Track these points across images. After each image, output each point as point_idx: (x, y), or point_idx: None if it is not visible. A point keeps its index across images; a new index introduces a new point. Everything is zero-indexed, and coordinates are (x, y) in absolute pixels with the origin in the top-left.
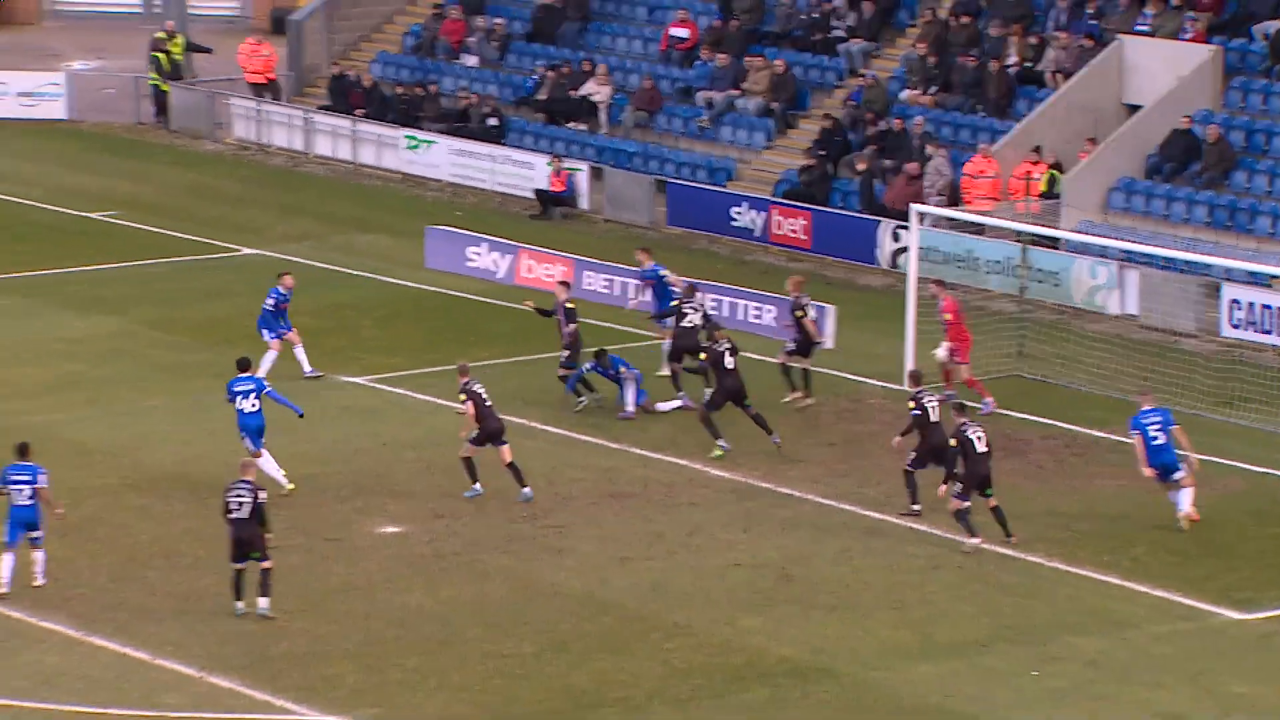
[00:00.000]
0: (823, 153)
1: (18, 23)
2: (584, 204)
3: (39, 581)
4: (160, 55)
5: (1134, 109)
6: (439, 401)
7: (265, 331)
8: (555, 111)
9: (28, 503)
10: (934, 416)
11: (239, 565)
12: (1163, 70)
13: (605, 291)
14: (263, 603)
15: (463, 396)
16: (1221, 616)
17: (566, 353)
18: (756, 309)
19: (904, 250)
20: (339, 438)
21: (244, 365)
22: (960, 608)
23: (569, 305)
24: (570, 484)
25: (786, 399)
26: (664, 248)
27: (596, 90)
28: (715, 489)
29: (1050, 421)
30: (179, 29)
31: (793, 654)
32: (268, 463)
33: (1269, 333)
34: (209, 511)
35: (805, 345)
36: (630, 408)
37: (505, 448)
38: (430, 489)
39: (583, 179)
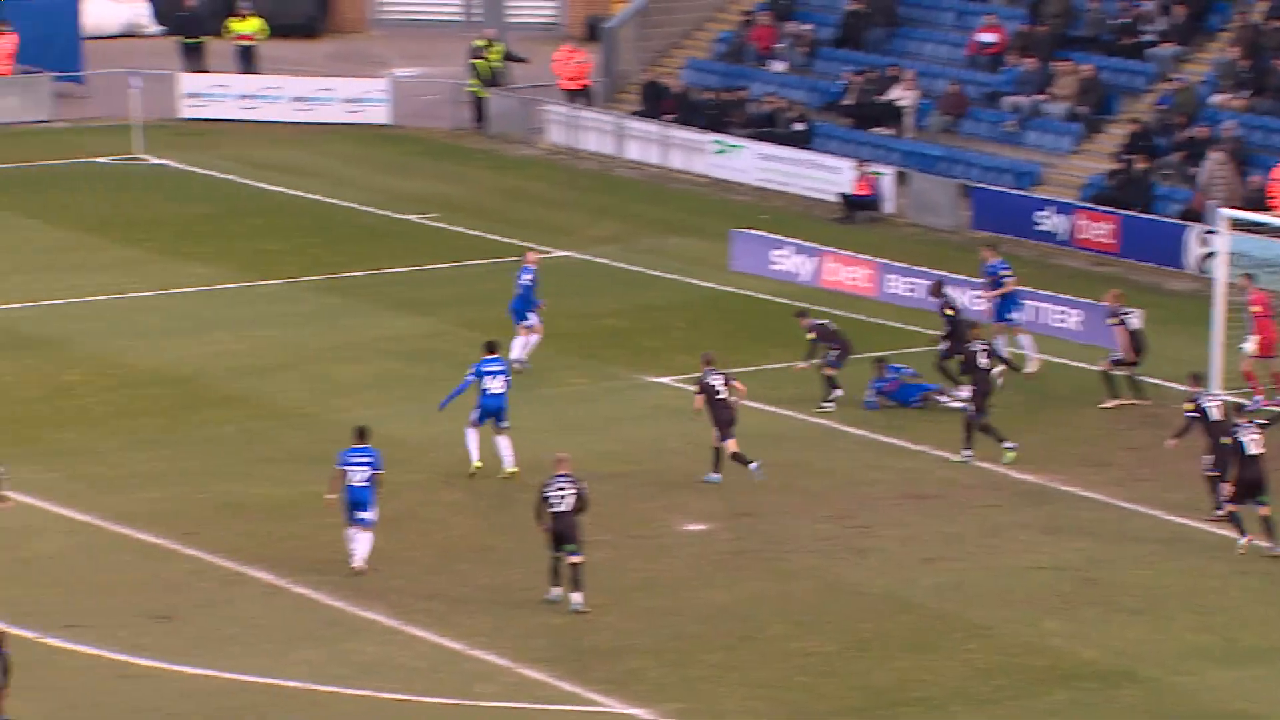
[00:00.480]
0: (1129, 157)
1: (345, 31)
2: (888, 208)
3: (357, 564)
4: (479, 62)
5: None
6: (744, 402)
7: (525, 315)
8: (861, 116)
9: (363, 484)
10: (1215, 416)
11: (558, 554)
12: None
13: (909, 295)
14: (575, 598)
15: (698, 388)
16: None
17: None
18: (1060, 313)
19: (1212, 255)
20: (647, 437)
21: (492, 347)
22: (1265, 613)
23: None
24: (873, 485)
25: (1109, 404)
26: (967, 251)
27: (903, 95)
28: (1016, 491)
29: None
30: (497, 37)
31: (1095, 657)
32: (504, 445)
33: None
34: (519, 506)
35: (1131, 353)
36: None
37: (731, 440)
38: (734, 487)
39: (888, 183)
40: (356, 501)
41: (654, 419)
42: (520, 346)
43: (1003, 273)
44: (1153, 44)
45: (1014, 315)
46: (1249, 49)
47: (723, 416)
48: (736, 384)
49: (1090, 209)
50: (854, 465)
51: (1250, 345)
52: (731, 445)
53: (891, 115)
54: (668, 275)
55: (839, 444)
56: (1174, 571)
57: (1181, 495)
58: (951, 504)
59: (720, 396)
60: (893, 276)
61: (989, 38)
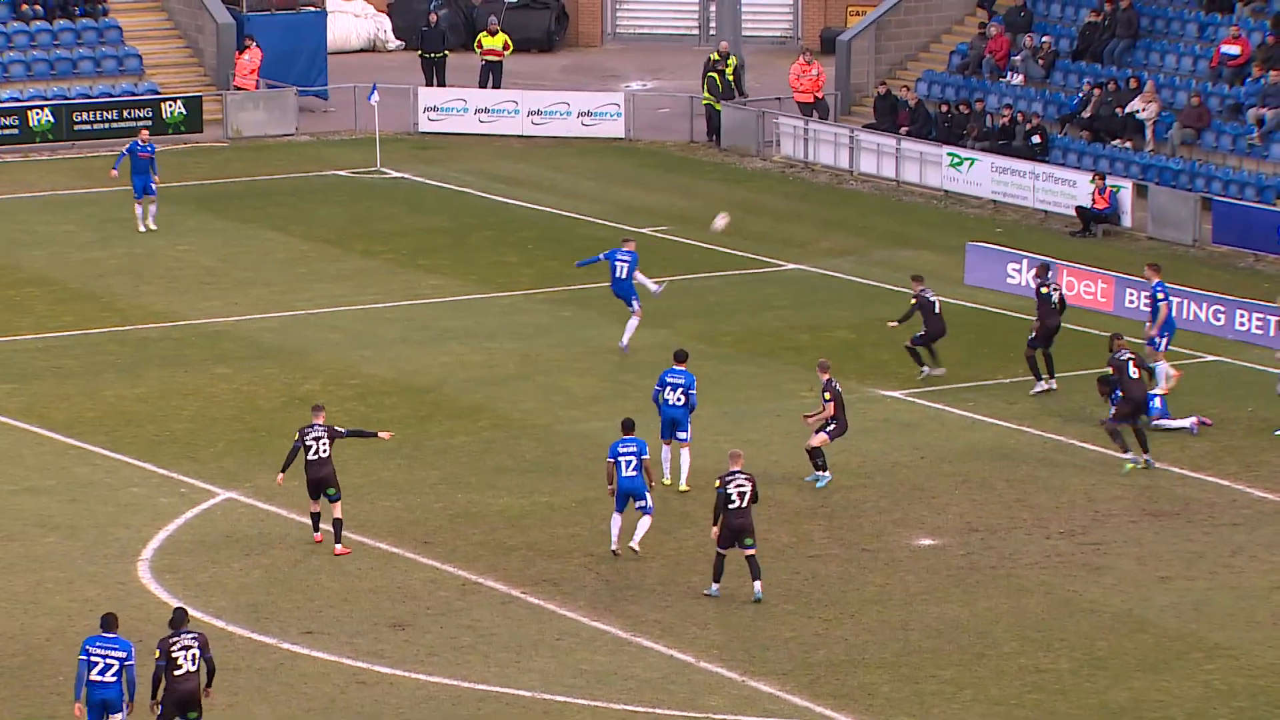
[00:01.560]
0: None
1: (582, 45)
2: (1126, 221)
3: (635, 544)
4: (714, 75)
5: None
6: (975, 417)
7: (633, 300)
8: (1100, 129)
9: (633, 474)
10: None
11: (728, 550)
12: None
13: (1148, 309)
14: (758, 586)
15: (827, 395)
16: None
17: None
18: None
19: None
20: (878, 450)
21: (682, 357)
22: None
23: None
24: (1110, 501)
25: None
26: (1208, 265)
27: (1143, 107)
28: (1258, 509)
29: None
30: (733, 50)
31: None
32: (682, 458)
33: None
34: (759, 522)
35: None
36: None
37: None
38: (966, 502)
39: (1126, 196)
40: (633, 490)
41: (884, 432)
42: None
43: (1159, 295)
44: None
45: (1160, 340)
46: None
47: (842, 424)
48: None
49: None
50: (1088, 482)
51: None
52: (819, 440)
53: (1131, 128)
54: (900, 289)
55: (1073, 459)
56: None
57: None
58: (1190, 522)
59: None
60: (1131, 291)
61: (1232, 49)
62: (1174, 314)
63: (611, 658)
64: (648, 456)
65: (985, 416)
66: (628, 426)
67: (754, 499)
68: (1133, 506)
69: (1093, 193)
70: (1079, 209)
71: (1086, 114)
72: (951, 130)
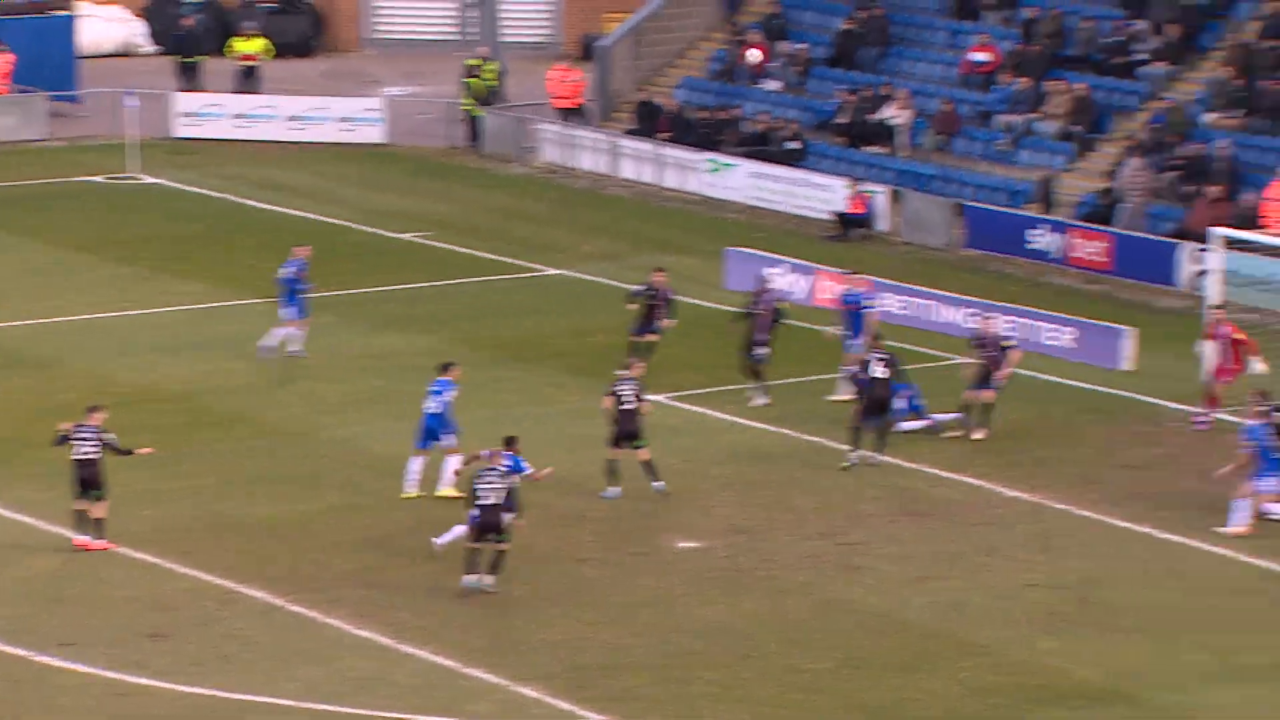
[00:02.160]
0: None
1: (338, 50)
2: (882, 226)
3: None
4: (473, 81)
5: None
6: (735, 419)
7: (289, 307)
8: (855, 135)
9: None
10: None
11: (480, 544)
12: None
13: (902, 313)
14: (489, 580)
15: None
16: None
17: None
18: (1054, 331)
19: (1204, 273)
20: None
21: (442, 369)
22: (1265, 633)
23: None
24: (868, 502)
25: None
26: (960, 269)
27: (896, 114)
28: (1011, 509)
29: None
30: (492, 56)
31: (1091, 676)
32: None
33: None
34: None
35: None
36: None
37: (643, 450)
38: (729, 505)
39: (881, 201)
40: (506, 506)
41: (650, 435)
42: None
43: (864, 303)
44: (1144, 63)
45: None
46: (1241, 68)
47: (625, 428)
48: (646, 405)
49: (1083, 227)
50: (849, 483)
51: (1261, 365)
52: (644, 454)
53: (885, 134)
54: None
55: (831, 461)
56: (1171, 590)
57: (1176, 514)
58: (946, 522)
59: (627, 407)
60: (886, 294)
61: (982, 57)
62: (929, 318)
63: (375, 664)
64: (521, 474)
65: (744, 419)
66: (508, 443)
67: (510, 500)
68: (890, 507)
69: (849, 198)
70: (836, 214)
71: (842, 120)
72: (710, 136)
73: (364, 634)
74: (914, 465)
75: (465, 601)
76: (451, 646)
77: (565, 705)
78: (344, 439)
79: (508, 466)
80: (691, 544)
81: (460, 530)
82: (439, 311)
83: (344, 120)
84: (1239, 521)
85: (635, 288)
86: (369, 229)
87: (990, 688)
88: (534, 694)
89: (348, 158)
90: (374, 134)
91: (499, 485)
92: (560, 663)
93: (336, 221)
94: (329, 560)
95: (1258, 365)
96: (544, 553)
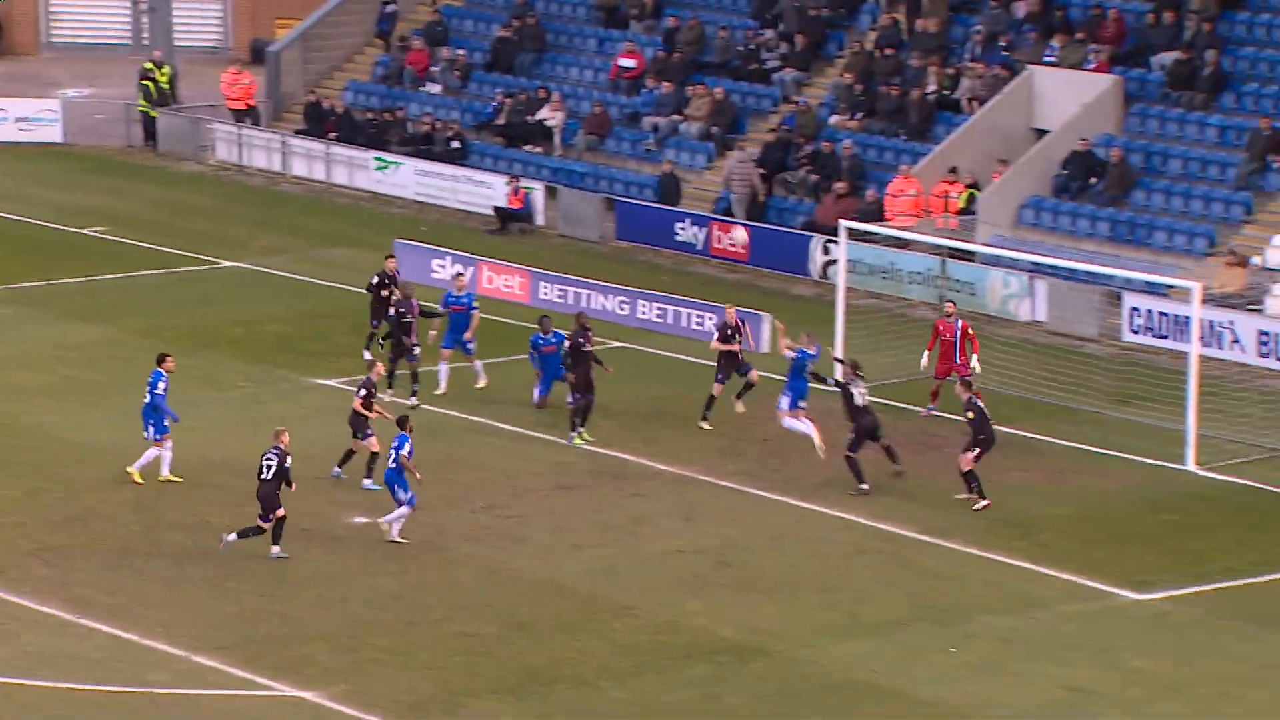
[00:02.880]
0: (761, 171)
1: (16, 54)
2: (539, 220)
3: (395, 535)
4: (149, 83)
5: (1042, 133)
6: (397, 400)
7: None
8: (513, 135)
9: (391, 466)
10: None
11: (265, 523)
12: (1068, 98)
13: (560, 301)
14: (276, 549)
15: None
16: (1122, 597)
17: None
18: (698, 317)
19: (833, 262)
20: (314, 436)
21: (160, 359)
22: (884, 590)
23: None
24: (527, 477)
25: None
26: (613, 260)
27: (551, 116)
28: (659, 481)
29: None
30: (165, 59)
31: (731, 634)
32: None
33: (1165, 337)
34: (194, 504)
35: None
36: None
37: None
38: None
39: (538, 197)
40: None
41: (319, 418)
42: None
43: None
44: (777, 69)
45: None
46: (862, 74)
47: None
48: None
49: (723, 220)
50: (505, 459)
51: (976, 364)
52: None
53: (541, 134)
54: (331, 284)
55: (491, 439)
56: (802, 554)
57: (809, 483)
58: (599, 495)
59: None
60: (544, 284)
61: (629, 63)
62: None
63: (56, 639)
64: (405, 451)
65: (405, 399)
66: (401, 423)
67: (281, 475)
68: (547, 481)
69: (508, 194)
70: (496, 209)
71: (500, 121)
72: (377, 136)
73: (46, 610)
74: (562, 440)
75: (146, 578)
76: (132, 621)
77: (242, 673)
78: (31, 426)
79: (395, 445)
80: (362, 519)
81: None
82: (120, 303)
83: (22, 120)
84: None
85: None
86: (48, 224)
87: (639, 646)
88: (212, 664)
89: (26, 157)
90: (52, 134)
91: (274, 462)
92: (237, 634)
93: (16, 218)
94: (14, 540)
95: (976, 364)
96: (221, 529)
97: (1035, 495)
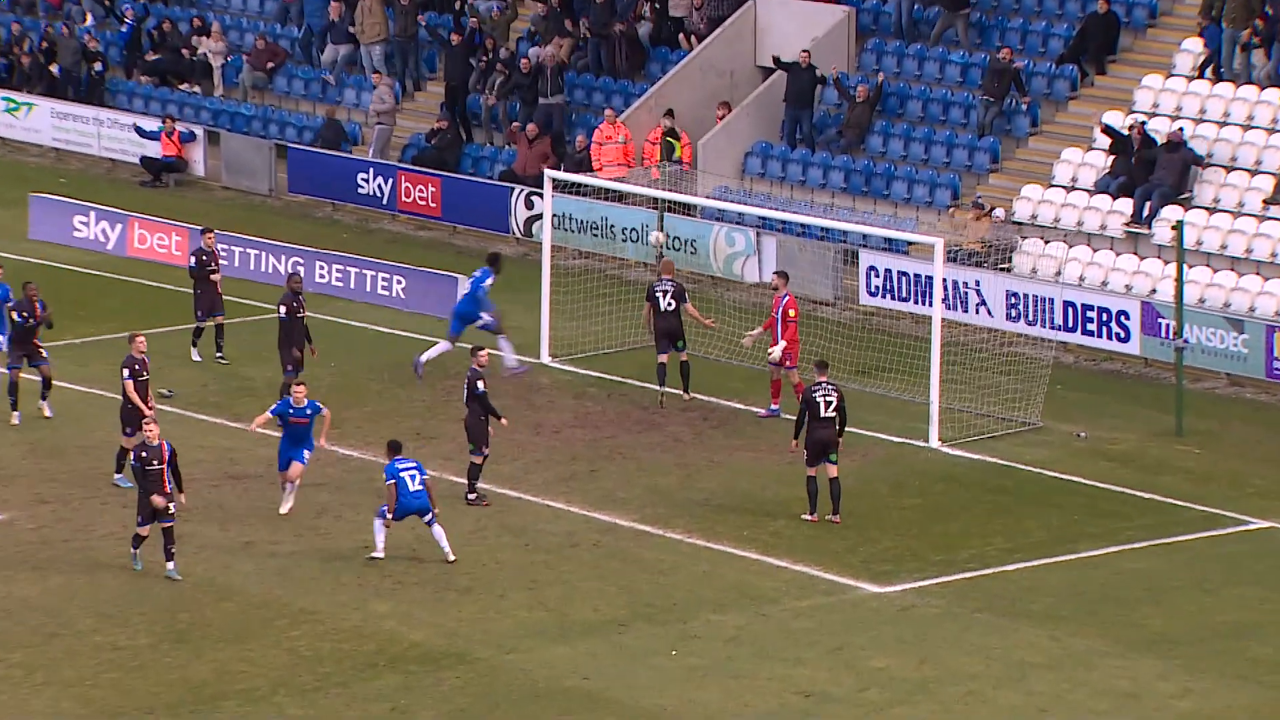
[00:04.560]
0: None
1: None
2: (199, 170)
3: (449, 556)
4: None
5: (769, 72)
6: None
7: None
8: (166, 72)
9: (419, 488)
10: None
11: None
12: (797, 32)
13: (225, 264)
14: (170, 566)
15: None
16: (861, 590)
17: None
18: (385, 279)
19: (537, 218)
20: None
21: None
22: (597, 586)
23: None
24: (191, 465)
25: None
26: (286, 215)
27: (210, 48)
28: (344, 468)
29: (689, 396)
30: None
31: (425, 639)
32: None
33: (906, 300)
34: None
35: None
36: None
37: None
38: (35, 472)
39: (197, 144)
40: (420, 507)
41: None
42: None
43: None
44: None
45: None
46: (565, 7)
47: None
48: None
49: (412, 171)
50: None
51: (777, 352)
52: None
53: (199, 71)
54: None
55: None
56: (506, 547)
57: (514, 466)
58: (274, 484)
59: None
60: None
61: None
62: (254, 267)
63: None
64: (428, 476)
65: (57, 381)
66: (396, 448)
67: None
68: (214, 470)
69: (161, 139)
70: (146, 158)
71: (154, 56)
72: (8, 72)
73: None
74: (239, 425)
75: None
76: None
77: None
78: None
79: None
80: None
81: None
82: None
83: None
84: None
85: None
86: None
87: (321, 655)
88: None
89: None
90: None
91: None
92: None
93: None
94: None
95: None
96: None
97: (765, 478)
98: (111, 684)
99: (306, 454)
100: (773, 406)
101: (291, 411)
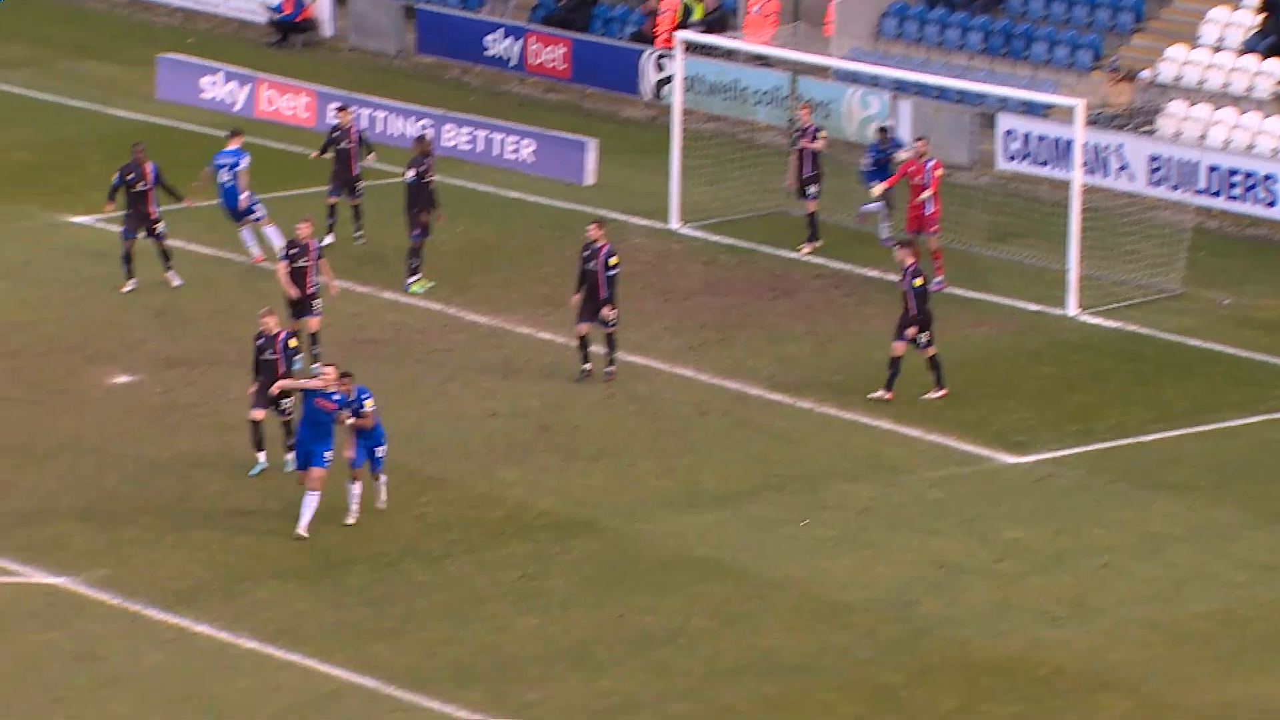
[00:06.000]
0: None
1: None
2: (327, 31)
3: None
4: None
5: None
6: (173, 243)
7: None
8: None
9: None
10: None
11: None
12: None
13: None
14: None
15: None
16: (997, 460)
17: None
18: (514, 143)
19: (668, 80)
20: (65, 281)
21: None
22: (727, 455)
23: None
24: (321, 330)
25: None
26: (414, 78)
27: None
28: (471, 334)
29: (820, 261)
30: None
31: (553, 507)
32: None
33: (1045, 164)
34: None
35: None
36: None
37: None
38: (163, 336)
39: (326, 4)
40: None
41: (73, 261)
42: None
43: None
44: None
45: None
46: None
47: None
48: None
49: (542, 32)
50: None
51: (878, 191)
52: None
53: None
54: (85, 105)
55: (274, 287)
56: (635, 415)
57: (642, 334)
58: (402, 349)
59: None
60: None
61: None
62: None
63: None
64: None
65: (183, 242)
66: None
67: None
68: (342, 335)
69: (283, 2)
70: (274, 17)
71: None
72: None
73: None
74: (367, 290)
75: None
76: None
77: None
78: None
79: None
80: (124, 379)
81: None
82: None
83: None
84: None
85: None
86: None
87: (449, 522)
88: None
89: None
90: None
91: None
92: None
93: None
94: None
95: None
96: None
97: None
98: (242, 548)
99: (328, 455)
100: (937, 279)
101: (332, 396)
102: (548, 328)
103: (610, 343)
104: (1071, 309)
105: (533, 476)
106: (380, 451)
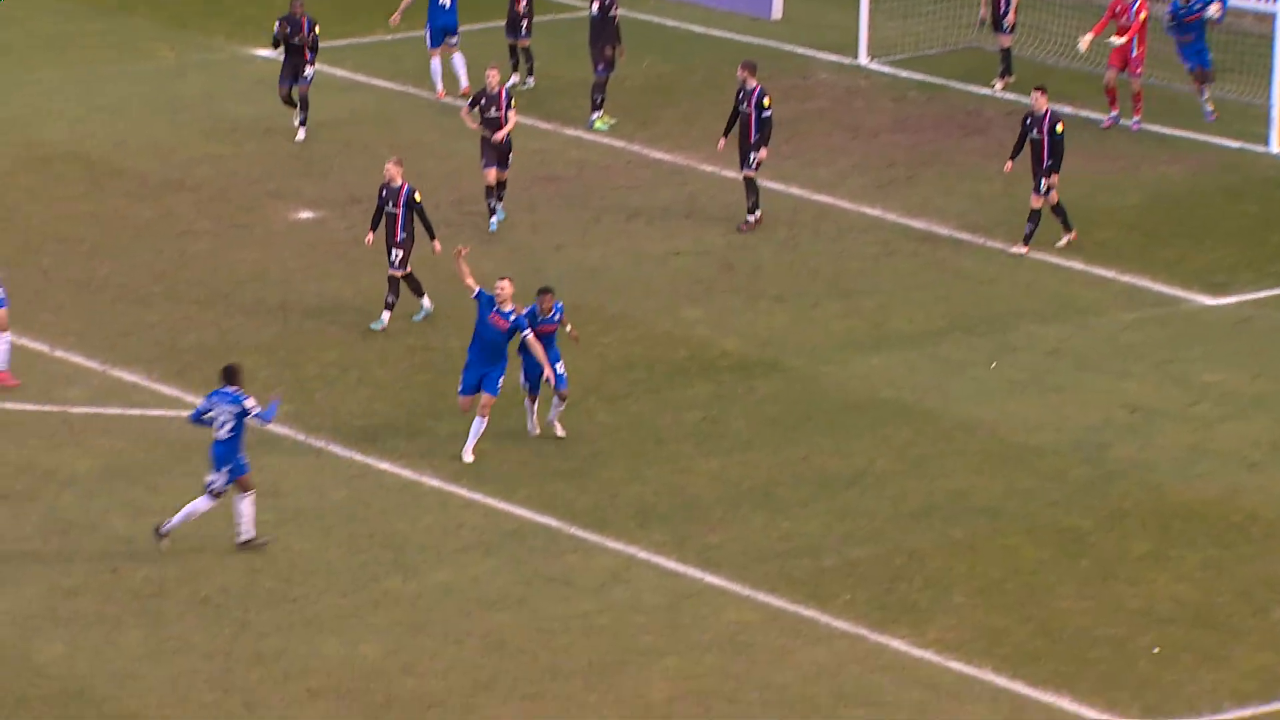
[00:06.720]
0: None
1: None
2: None
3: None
4: None
5: None
6: (358, 78)
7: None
8: None
9: None
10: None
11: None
12: None
13: None
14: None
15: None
16: (1193, 301)
17: None
18: None
19: None
20: (250, 115)
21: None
22: (914, 296)
23: None
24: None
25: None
26: None
27: None
28: (655, 171)
29: (1012, 97)
30: None
31: (737, 347)
32: None
33: None
34: (104, 194)
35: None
36: None
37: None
38: (347, 170)
39: None
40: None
41: (257, 95)
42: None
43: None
44: None
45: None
46: None
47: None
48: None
49: None
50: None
51: (1086, 40)
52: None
53: None
54: None
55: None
56: (819, 255)
57: (828, 172)
58: (584, 187)
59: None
60: None
61: None
62: None
63: None
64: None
65: (368, 77)
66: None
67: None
68: (525, 172)
69: None
70: None
71: None
72: None
73: None
74: (550, 126)
75: (52, 279)
76: (39, 330)
77: (170, 391)
78: None
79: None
80: (307, 214)
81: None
82: None
83: None
84: None
85: None
86: None
87: (632, 361)
88: (133, 378)
89: None
90: None
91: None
92: (160, 346)
93: None
94: None
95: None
96: (142, 224)
97: (1091, 185)
98: (425, 385)
99: (500, 381)
100: (1135, 119)
101: (509, 314)
102: (733, 166)
103: (752, 189)
104: (1273, 146)
105: (716, 316)
106: (560, 367)
